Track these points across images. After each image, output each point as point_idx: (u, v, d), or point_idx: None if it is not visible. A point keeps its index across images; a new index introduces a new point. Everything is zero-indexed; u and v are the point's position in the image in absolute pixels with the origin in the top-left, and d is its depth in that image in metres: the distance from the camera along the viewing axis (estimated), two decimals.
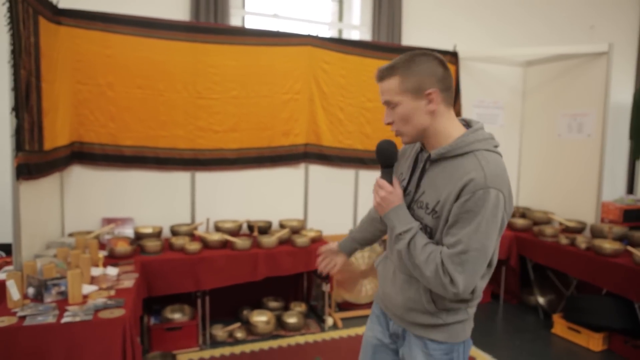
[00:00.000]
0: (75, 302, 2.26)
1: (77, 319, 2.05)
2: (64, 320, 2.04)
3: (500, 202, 1.28)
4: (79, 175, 3.47)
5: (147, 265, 3.08)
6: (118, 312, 2.13)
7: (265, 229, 3.80)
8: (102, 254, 2.88)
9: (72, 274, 2.26)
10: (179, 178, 3.73)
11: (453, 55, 4.50)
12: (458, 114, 4.51)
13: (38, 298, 2.28)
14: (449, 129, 1.38)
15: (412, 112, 1.36)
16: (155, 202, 3.68)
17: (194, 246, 3.25)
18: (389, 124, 1.42)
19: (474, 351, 3.35)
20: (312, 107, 4.02)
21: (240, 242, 3.35)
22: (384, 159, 1.46)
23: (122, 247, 3.07)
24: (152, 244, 3.19)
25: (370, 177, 4.32)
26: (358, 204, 4.31)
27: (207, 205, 3.81)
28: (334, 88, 4.09)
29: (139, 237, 3.44)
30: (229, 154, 3.81)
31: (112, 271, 2.74)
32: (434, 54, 1.38)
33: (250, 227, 3.79)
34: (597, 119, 4.13)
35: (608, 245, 3.44)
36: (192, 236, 3.54)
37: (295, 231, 3.83)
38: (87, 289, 2.43)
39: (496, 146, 1.40)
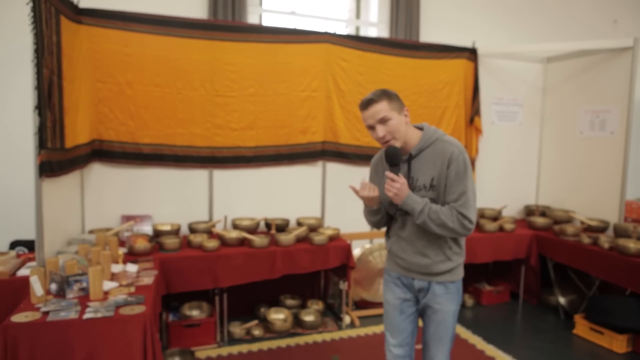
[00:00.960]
0: (96, 298, 2.28)
1: (99, 315, 2.07)
2: (86, 316, 2.06)
3: (468, 159, 1.92)
4: (99, 173, 3.51)
5: (165, 262, 3.10)
6: (139, 309, 2.15)
7: (282, 227, 3.80)
8: (122, 250, 2.91)
9: (94, 271, 2.28)
10: (197, 176, 3.74)
11: (472, 52, 4.44)
12: (477, 111, 4.46)
13: (60, 294, 2.31)
14: (412, 133, 1.97)
15: (399, 123, 1.89)
16: (173, 200, 3.70)
17: (212, 244, 3.26)
18: (382, 137, 1.89)
19: (494, 351, 3.31)
20: (330, 105, 4.00)
21: (258, 240, 3.35)
22: (392, 159, 1.91)
23: (142, 244, 3.09)
24: (170, 241, 3.21)
25: None
26: None
27: (225, 203, 3.82)
28: (352, 85, 4.06)
29: (157, 234, 3.47)
30: (247, 152, 3.82)
31: (132, 268, 2.76)
32: (393, 92, 1.94)
33: (268, 225, 3.79)
34: (621, 115, 4.04)
35: (633, 245, 3.36)
36: (210, 234, 3.56)
37: (313, 229, 3.82)
38: (108, 285, 2.45)
39: (445, 133, 2.00)
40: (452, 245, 1.98)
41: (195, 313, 3.41)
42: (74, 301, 2.21)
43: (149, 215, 3.62)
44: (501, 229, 4.17)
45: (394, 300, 2.09)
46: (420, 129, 1.99)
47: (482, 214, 4.55)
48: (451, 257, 1.97)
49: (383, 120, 1.86)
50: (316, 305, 3.86)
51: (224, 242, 3.39)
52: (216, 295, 3.33)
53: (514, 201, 4.85)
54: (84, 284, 2.32)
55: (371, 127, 1.90)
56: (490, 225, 4.12)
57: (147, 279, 2.60)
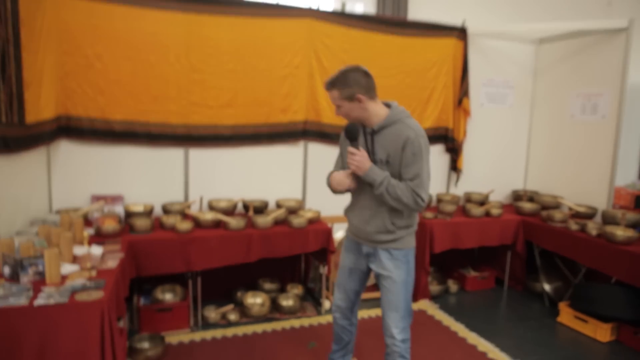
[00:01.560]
0: (52, 282, 2.13)
1: (51, 301, 1.93)
2: (37, 302, 1.91)
3: (427, 144, 2.08)
4: (67, 151, 3.33)
5: (135, 244, 2.95)
6: (96, 295, 2.01)
7: (261, 209, 3.67)
8: (87, 232, 2.75)
9: (50, 253, 2.14)
10: (172, 155, 3.58)
11: (461, 31, 4.28)
12: (466, 93, 4.31)
13: (14, 278, 2.16)
14: (378, 111, 2.12)
15: (350, 110, 2.09)
16: (146, 180, 3.54)
17: (185, 225, 3.12)
18: (338, 114, 2.14)
19: (476, 339, 3.23)
20: (312, 83, 3.83)
21: (234, 222, 3.22)
22: (352, 135, 2.11)
23: (110, 226, 2.94)
24: (141, 223, 3.07)
25: None
26: None
27: (201, 184, 3.67)
28: (336, 63, 3.88)
29: (128, 215, 3.32)
30: (224, 131, 3.65)
31: (96, 250, 2.61)
32: (359, 68, 2.09)
33: (246, 207, 3.65)
34: (613, 99, 3.91)
35: (621, 232, 3.27)
36: (185, 215, 3.41)
37: (293, 211, 3.68)
38: (68, 268, 2.30)
39: (409, 114, 2.14)
40: (395, 220, 2.14)
41: (168, 297, 3.28)
42: (26, 286, 2.07)
43: (120, 195, 3.46)
44: (487, 213, 4.07)
45: (345, 263, 2.38)
46: (387, 105, 2.15)
47: (468, 198, 4.44)
48: (392, 230, 2.14)
49: (337, 106, 2.10)
50: (296, 290, 3.75)
51: (198, 223, 3.25)
52: (189, 279, 3.20)
53: (501, 186, 4.75)
54: (40, 268, 2.18)
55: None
56: (477, 210, 4.01)
57: (112, 262, 2.46)
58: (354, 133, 2.09)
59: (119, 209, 3.39)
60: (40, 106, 2.96)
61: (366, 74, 2.09)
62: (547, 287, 3.99)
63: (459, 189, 4.59)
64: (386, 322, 2.22)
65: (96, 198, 3.40)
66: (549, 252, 3.92)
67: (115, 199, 3.43)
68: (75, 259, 2.48)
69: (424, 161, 2.04)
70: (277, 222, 3.44)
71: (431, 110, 4.32)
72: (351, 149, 2.08)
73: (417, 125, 2.07)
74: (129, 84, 3.36)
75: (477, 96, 4.50)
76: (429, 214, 3.89)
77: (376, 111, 2.10)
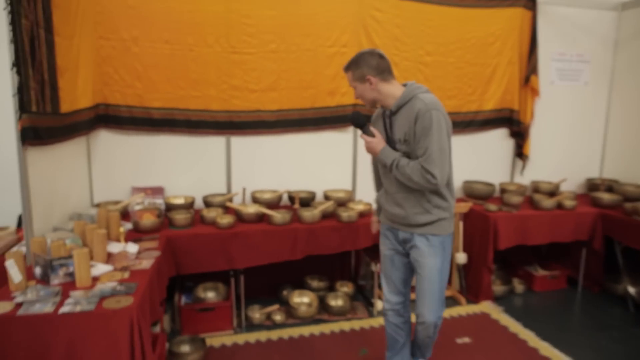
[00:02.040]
0: (82, 285, 1.97)
1: (78, 308, 1.75)
2: (63, 310, 1.74)
3: (440, 117, 1.95)
4: (106, 140, 3.20)
5: (174, 240, 2.78)
6: (125, 301, 1.82)
7: (307, 201, 3.40)
8: (123, 228, 2.59)
9: (79, 254, 1.97)
10: (213, 143, 3.38)
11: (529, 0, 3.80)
12: (534, 69, 3.84)
13: (45, 279, 2.01)
14: (393, 91, 2.07)
15: (363, 91, 2.09)
16: (187, 170, 3.36)
17: (227, 220, 2.91)
18: (356, 97, 2.15)
19: (549, 350, 2.84)
20: None
21: (279, 216, 2.97)
22: (357, 123, 2.16)
23: (148, 220, 2.78)
24: (180, 217, 2.88)
25: None
26: None
27: (244, 174, 3.45)
28: (387, 40, 3.54)
29: (169, 208, 3.15)
30: (268, 116, 3.40)
31: (132, 248, 2.44)
32: (374, 51, 2.09)
33: (291, 199, 3.40)
34: None
35: None
36: (226, 209, 3.20)
37: (342, 203, 3.40)
38: (100, 269, 2.14)
39: (427, 90, 2.06)
40: (431, 198, 2.08)
41: (210, 295, 3.10)
42: (55, 289, 1.91)
43: (161, 187, 3.30)
44: (559, 206, 3.61)
45: (385, 251, 2.30)
46: (404, 86, 2.10)
47: (536, 188, 3.99)
48: (430, 210, 2.09)
49: (353, 87, 2.13)
50: (346, 288, 3.48)
51: (240, 217, 3.03)
52: (232, 277, 2.99)
53: (574, 174, 4.25)
54: (71, 269, 2.01)
55: None
56: (547, 202, 3.57)
57: (147, 262, 2.28)
58: (359, 121, 2.14)
59: (160, 202, 3.23)
60: (77, 94, 2.82)
61: (380, 56, 2.07)
62: (631, 289, 3.50)
63: (525, 178, 4.14)
64: (420, 308, 2.19)
65: (137, 190, 3.26)
66: (634, 250, 3.43)
67: (156, 190, 3.28)
68: (109, 258, 2.31)
69: (434, 135, 1.94)
70: (325, 216, 3.16)
71: (494, 90, 3.88)
72: (362, 135, 2.13)
73: (430, 98, 2.00)
74: (167, 68, 3.17)
75: (546, 73, 4.01)
76: (492, 207, 3.49)
77: (391, 92, 2.07)
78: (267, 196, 3.35)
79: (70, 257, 2.02)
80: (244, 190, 3.32)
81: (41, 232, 2.35)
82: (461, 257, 3.53)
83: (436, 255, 2.11)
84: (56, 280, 1.99)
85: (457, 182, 3.95)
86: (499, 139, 4.04)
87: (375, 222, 2.49)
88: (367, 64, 2.05)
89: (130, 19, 3.06)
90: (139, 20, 3.08)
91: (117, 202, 3.14)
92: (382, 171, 2.21)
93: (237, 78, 3.29)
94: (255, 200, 3.32)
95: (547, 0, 3.84)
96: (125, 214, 3.08)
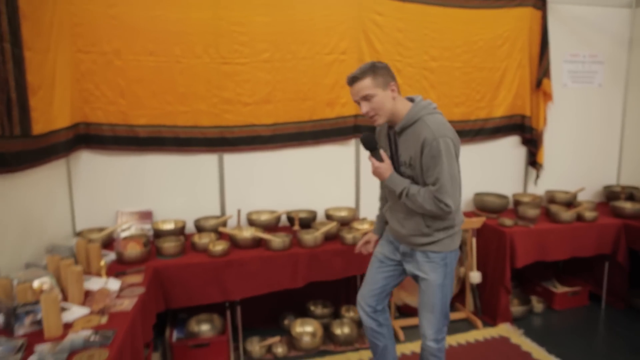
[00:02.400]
0: (51, 336, 1.71)
1: None
2: None
3: (449, 143, 1.88)
4: (89, 163, 2.95)
5: (162, 271, 2.52)
6: (99, 357, 1.56)
7: (308, 222, 3.15)
8: (105, 261, 2.34)
9: (47, 299, 1.71)
10: (204, 162, 3.13)
11: None
12: (546, 72, 3.61)
13: (8, 329, 1.75)
14: (401, 108, 1.96)
15: (384, 99, 1.92)
16: (177, 192, 3.11)
17: (220, 247, 2.65)
18: (366, 113, 1.94)
19: None
20: None
21: (277, 240, 2.72)
22: (369, 145, 2.02)
23: (133, 251, 2.52)
24: (169, 245, 2.62)
25: None
26: None
27: (239, 194, 3.20)
28: (389, 45, 3.30)
29: (158, 234, 2.89)
30: (263, 131, 3.16)
31: (114, 285, 2.18)
32: (380, 62, 1.97)
33: (291, 220, 3.15)
34: None
35: None
36: (220, 234, 2.94)
37: (345, 223, 3.15)
38: (75, 313, 1.88)
39: (435, 108, 1.98)
40: (430, 222, 2.01)
41: (205, 329, 2.84)
42: (19, 342, 1.64)
43: (149, 211, 3.04)
44: (579, 217, 3.36)
45: (379, 255, 2.24)
46: (411, 101, 2.00)
47: (552, 199, 3.74)
48: (429, 234, 2.02)
49: (367, 98, 1.91)
50: (352, 313, 3.22)
51: (235, 243, 2.78)
52: (227, 309, 2.73)
53: (590, 181, 4.00)
54: (39, 316, 1.76)
55: (357, 102, 1.97)
56: (566, 214, 3.31)
57: (129, 302, 2.02)
58: (371, 144, 2.02)
59: (148, 227, 2.98)
60: (53, 113, 2.57)
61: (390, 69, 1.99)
62: None
63: (539, 188, 3.89)
64: (421, 322, 2.14)
65: (123, 215, 3.00)
66: None
67: (144, 215, 3.02)
68: (87, 297, 2.05)
69: (444, 164, 1.87)
70: (328, 238, 2.91)
71: (504, 95, 3.64)
72: (371, 159, 2.03)
73: (437, 123, 1.90)
74: (153, 82, 2.93)
75: (558, 75, 3.77)
76: (507, 221, 3.24)
77: (399, 107, 1.96)
78: (264, 217, 3.10)
79: (38, 302, 1.76)
80: (239, 212, 3.06)
81: (10, 271, 2.09)
82: (475, 276, 3.27)
83: (436, 270, 2.05)
84: (21, 330, 1.73)
85: (468, 194, 3.70)
86: (510, 148, 3.80)
87: (371, 242, 2.34)
88: (387, 70, 1.93)
89: (111, 30, 2.83)
90: (121, 31, 2.84)
91: (101, 229, 2.89)
92: (387, 188, 2.12)
93: (229, 90, 3.05)
94: (251, 222, 3.06)
95: None
96: (111, 241, 2.82)
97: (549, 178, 3.88)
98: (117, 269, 2.45)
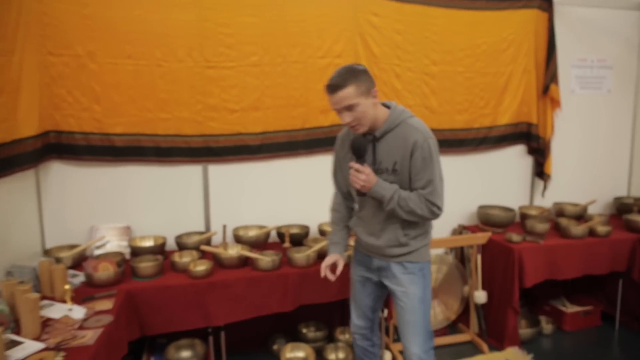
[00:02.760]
0: None
1: None
2: None
3: (436, 145, 1.88)
4: (60, 174, 2.71)
5: (138, 295, 2.28)
6: None
7: (300, 238, 2.91)
8: (70, 284, 2.09)
9: None
10: (187, 173, 2.90)
11: (545, 0, 3.36)
12: (553, 77, 3.40)
13: None
14: (380, 113, 1.89)
15: (367, 108, 1.81)
16: (157, 206, 2.88)
17: (202, 267, 2.41)
18: (349, 123, 1.82)
19: None
20: None
21: (265, 260, 2.48)
22: (360, 151, 1.86)
23: (105, 272, 2.27)
24: (146, 265, 2.38)
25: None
26: None
27: (225, 208, 2.97)
28: (388, 48, 3.09)
29: (135, 252, 2.65)
30: (251, 140, 2.93)
31: (78, 313, 1.94)
32: (357, 64, 1.87)
33: (281, 235, 2.91)
34: None
35: None
36: (203, 253, 2.68)
37: None
38: (27, 348, 1.64)
39: (411, 114, 1.93)
40: (408, 231, 1.95)
41: (185, 355, 2.59)
42: None
43: (127, 226, 2.80)
44: (591, 232, 3.14)
45: (356, 277, 2.14)
46: (388, 107, 1.92)
47: (560, 212, 3.51)
48: (406, 243, 1.95)
49: (350, 108, 1.79)
50: (347, 336, 2.98)
51: (219, 262, 2.54)
52: (210, 335, 2.48)
53: (600, 193, 3.78)
54: None
55: (337, 111, 1.83)
56: (577, 229, 3.09)
57: (92, 334, 1.77)
58: (362, 149, 1.85)
59: (124, 244, 2.74)
60: (18, 121, 2.35)
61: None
62: None
63: (546, 200, 3.66)
64: (405, 344, 2.01)
65: (98, 231, 2.76)
66: None
67: (121, 231, 2.78)
68: (45, 328, 1.81)
69: (435, 165, 1.85)
70: (321, 256, 2.66)
71: (509, 102, 3.43)
72: (356, 165, 1.85)
73: (422, 125, 1.88)
74: (131, 87, 2.70)
75: (565, 81, 3.56)
76: (514, 237, 3.01)
77: (378, 112, 1.87)
78: (252, 233, 2.86)
79: None
80: (224, 227, 2.81)
81: None
82: (480, 296, 3.04)
83: (415, 282, 1.97)
84: None
85: (471, 207, 3.48)
86: (515, 157, 3.58)
87: (339, 265, 2.08)
88: (367, 74, 1.82)
89: (85, 31, 2.60)
90: (97, 32, 2.62)
91: (73, 247, 2.64)
92: (359, 197, 1.99)
93: (214, 96, 2.82)
94: (238, 239, 2.83)
95: (564, 0, 3.41)
96: (84, 260, 2.58)
97: (555, 189, 3.66)
98: (86, 292, 2.20)
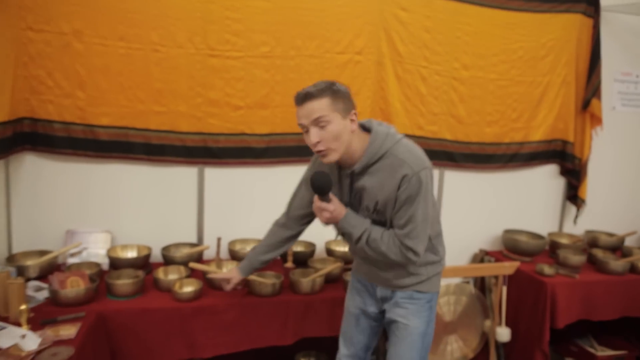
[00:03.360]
0: None
1: None
2: None
3: (428, 176, 1.56)
4: (33, 168, 2.37)
5: (111, 318, 1.92)
6: None
7: (304, 257, 2.55)
8: (28, 303, 1.74)
9: None
10: (181, 175, 2.55)
11: (591, 4, 3.03)
12: (596, 92, 3.06)
13: None
14: (357, 145, 1.57)
15: (342, 130, 1.50)
16: (144, 211, 2.53)
17: (189, 288, 2.07)
18: (315, 144, 1.50)
19: None
20: (382, 75, 2.71)
21: (265, 283, 2.13)
22: (322, 189, 1.55)
23: (73, 290, 1.92)
24: (123, 282, 2.02)
25: (461, 179, 3.02)
26: (443, 214, 2.97)
27: (221, 217, 2.63)
28: (414, 47, 2.75)
29: (114, 264, 2.29)
30: (255, 142, 2.59)
31: (30, 342, 1.58)
32: (345, 86, 1.56)
33: (283, 254, 2.54)
34: None
35: None
36: (192, 271, 2.33)
37: (350, 261, 2.55)
38: None
39: (396, 132, 1.62)
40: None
41: None
42: None
43: (107, 232, 2.45)
44: (632, 268, 2.78)
45: (352, 309, 1.89)
46: (367, 130, 1.61)
47: (594, 241, 3.15)
48: (416, 272, 1.72)
49: (319, 122, 1.48)
50: None
51: (210, 283, 2.18)
52: None
53: (636, 223, 3.42)
54: None
55: (304, 128, 1.52)
56: (617, 264, 2.74)
57: None
58: (325, 187, 1.55)
59: (103, 252, 2.38)
60: None
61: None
62: None
63: (578, 227, 3.31)
64: None
65: (74, 236, 2.41)
66: None
67: (100, 237, 2.43)
68: None
69: (420, 202, 1.54)
70: (329, 281, 2.32)
71: (544, 115, 3.08)
72: (321, 204, 1.58)
73: (413, 154, 1.57)
74: (121, 73, 2.36)
75: (607, 97, 3.22)
76: (547, 269, 2.66)
77: (360, 142, 1.58)
78: (249, 249, 2.50)
79: None
80: (218, 241, 2.45)
81: None
82: (504, 334, 2.68)
83: (420, 315, 1.75)
84: None
85: (496, 230, 3.14)
86: (547, 178, 3.24)
87: (232, 283, 1.92)
88: (348, 96, 1.54)
89: (72, 5, 2.26)
90: (85, 7, 2.28)
91: (43, 253, 2.29)
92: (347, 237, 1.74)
93: (216, 90, 2.48)
94: (233, 255, 2.47)
95: (613, 6, 3.07)
96: (54, 269, 2.22)
97: (587, 215, 3.31)
98: (49, 313, 1.85)
